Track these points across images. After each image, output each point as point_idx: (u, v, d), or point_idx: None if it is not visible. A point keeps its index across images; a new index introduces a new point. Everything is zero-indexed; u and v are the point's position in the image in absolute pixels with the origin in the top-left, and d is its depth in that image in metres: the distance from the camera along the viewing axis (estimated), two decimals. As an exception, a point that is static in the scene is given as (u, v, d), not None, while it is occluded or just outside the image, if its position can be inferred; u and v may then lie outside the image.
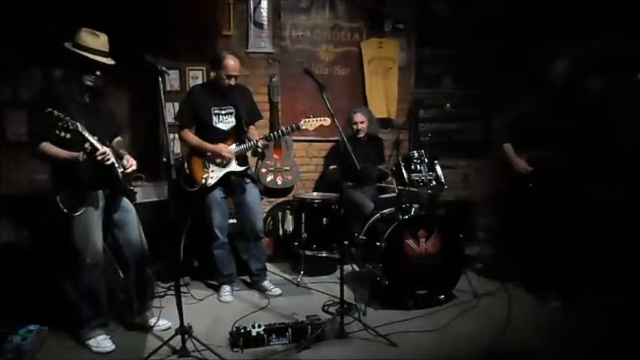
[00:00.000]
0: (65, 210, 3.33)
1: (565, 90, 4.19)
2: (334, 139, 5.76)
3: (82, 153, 3.16)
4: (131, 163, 3.48)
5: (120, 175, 3.42)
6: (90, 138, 3.15)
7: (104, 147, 3.23)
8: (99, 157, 3.19)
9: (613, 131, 4.50)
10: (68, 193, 3.35)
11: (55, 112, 3.01)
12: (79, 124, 3.09)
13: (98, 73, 3.37)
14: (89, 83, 3.38)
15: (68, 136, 3.08)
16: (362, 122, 5.49)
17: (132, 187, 3.60)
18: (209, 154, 4.33)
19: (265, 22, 5.93)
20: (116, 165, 3.36)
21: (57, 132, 3.05)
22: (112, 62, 3.40)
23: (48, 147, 3.23)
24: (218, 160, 4.34)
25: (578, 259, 4.22)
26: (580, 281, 4.33)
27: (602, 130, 4.28)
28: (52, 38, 4.69)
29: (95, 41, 3.31)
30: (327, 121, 4.28)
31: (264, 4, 5.89)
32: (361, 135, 5.50)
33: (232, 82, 4.26)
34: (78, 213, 3.34)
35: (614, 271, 4.39)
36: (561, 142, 4.12)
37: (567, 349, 3.53)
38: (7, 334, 3.37)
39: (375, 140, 5.78)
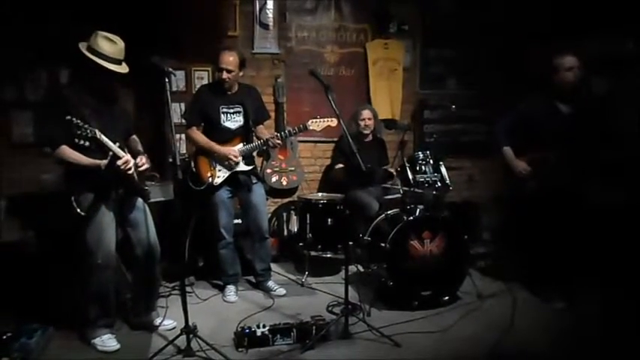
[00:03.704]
0: (79, 210, 3.33)
1: (568, 90, 4.19)
2: (336, 140, 5.78)
3: (104, 162, 3.20)
4: (143, 163, 3.50)
5: (135, 176, 3.44)
6: (111, 145, 3.19)
7: (125, 154, 3.27)
8: (121, 166, 3.24)
9: (614, 132, 4.49)
10: (83, 193, 3.35)
11: (74, 119, 3.03)
12: (97, 131, 3.11)
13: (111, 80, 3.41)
14: (101, 88, 3.40)
15: (87, 144, 3.11)
16: (369, 119, 5.54)
17: (146, 187, 3.62)
18: (216, 155, 4.35)
19: (271, 23, 5.96)
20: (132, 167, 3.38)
21: (76, 140, 3.08)
22: (126, 70, 3.41)
23: (67, 151, 3.23)
24: (225, 163, 4.35)
25: (582, 260, 4.21)
26: (584, 282, 4.32)
27: (603, 131, 4.27)
28: (58, 38, 4.75)
29: (111, 48, 3.31)
30: (334, 122, 4.28)
31: (269, 5, 5.92)
32: (367, 132, 5.55)
33: (224, 75, 4.25)
34: (92, 213, 3.35)
35: (617, 272, 4.38)
36: (561, 143, 4.12)
37: (571, 350, 3.52)
38: (14, 332, 3.37)
39: (379, 141, 5.81)
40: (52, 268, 4.09)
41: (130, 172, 3.34)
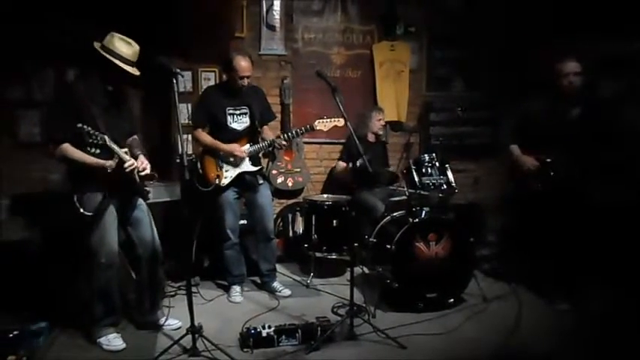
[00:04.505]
0: (82, 210, 3.35)
1: (571, 94, 4.20)
2: (344, 141, 5.79)
3: (109, 163, 3.23)
4: (144, 166, 3.51)
5: (137, 177, 3.46)
6: (118, 150, 3.22)
7: (131, 159, 3.31)
8: (127, 170, 3.28)
9: (620, 133, 4.48)
10: (85, 192, 3.37)
11: (85, 126, 3.07)
12: (106, 137, 3.15)
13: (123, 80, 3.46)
14: (111, 89, 3.43)
15: (98, 151, 3.17)
16: (384, 119, 5.64)
17: (146, 187, 3.64)
18: (222, 153, 4.36)
19: (278, 25, 5.96)
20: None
21: (88, 148, 3.13)
22: (138, 73, 3.45)
23: (70, 149, 3.27)
24: (231, 159, 4.36)
25: (586, 261, 4.20)
26: (589, 283, 4.31)
27: (609, 132, 4.27)
28: (66, 38, 4.76)
29: (128, 50, 3.36)
30: (340, 122, 4.28)
31: (276, 6, 5.92)
32: (382, 132, 5.60)
33: (245, 82, 4.29)
34: (94, 213, 3.36)
35: (622, 273, 4.37)
36: (567, 144, 4.12)
37: (576, 351, 3.52)
38: (20, 331, 3.39)
39: (382, 143, 5.83)
40: (57, 267, 4.11)
41: (133, 174, 3.38)
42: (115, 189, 3.45)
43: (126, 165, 3.27)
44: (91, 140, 3.09)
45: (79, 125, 3.06)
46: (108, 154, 3.25)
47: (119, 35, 3.37)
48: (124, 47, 3.35)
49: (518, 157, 4.41)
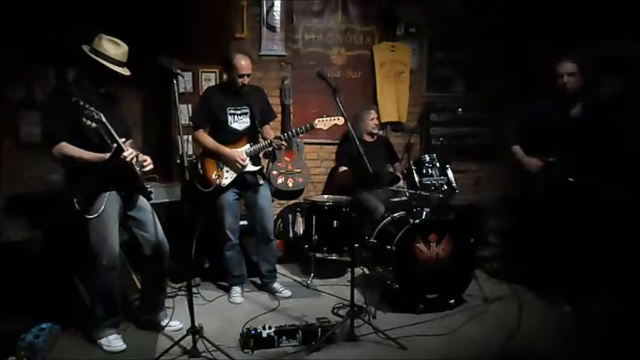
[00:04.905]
0: (82, 212, 3.35)
1: (569, 94, 4.21)
2: (337, 143, 5.79)
3: (109, 154, 3.20)
4: (149, 162, 3.52)
5: (139, 173, 3.45)
6: (114, 133, 3.19)
7: (129, 148, 3.28)
8: (127, 158, 3.24)
9: (622, 133, 4.48)
10: (85, 194, 3.36)
11: (81, 101, 3.04)
12: (102, 115, 3.10)
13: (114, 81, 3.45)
14: (102, 90, 3.43)
15: (94, 125, 3.10)
16: (377, 118, 5.64)
17: (148, 187, 3.64)
18: (223, 157, 4.35)
19: (278, 25, 5.96)
20: (135, 163, 3.40)
21: (84, 120, 3.07)
22: (128, 73, 3.45)
23: (68, 147, 3.25)
24: (232, 166, 4.36)
25: (589, 263, 4.19)
26: (591, 286, 4.30)
27: (611, 132, 4.27)
28: (67, 39, 4.77)
29: (116, 51, 3.36)
30: (340, 121, 4.29)
31: (277, 7, 5.92)
32: (377, 131, 5.59)
33: (245, 80, 4.29)
34: (95, 215, 3.36)
35: (625, 276, 4.36)
36: (566, 144, 4.12)
37: (578, 354, 3.52)
38: (20, 332, 3.39)
39: (383, 139, 5.83)
40: (58, 268, 4.10)
41: (133, 161, 3.35)
42: (117, 187, 3.45)
43: (125, 154, 3.23)
44: (87, 112, 3.04)
45: (74, 99, 3.03)
46: (103, 146, 3.23)
47: (107, 37, 3.37)
48: (112, 48, 3.35)
49: (522, 158, 4.41)
